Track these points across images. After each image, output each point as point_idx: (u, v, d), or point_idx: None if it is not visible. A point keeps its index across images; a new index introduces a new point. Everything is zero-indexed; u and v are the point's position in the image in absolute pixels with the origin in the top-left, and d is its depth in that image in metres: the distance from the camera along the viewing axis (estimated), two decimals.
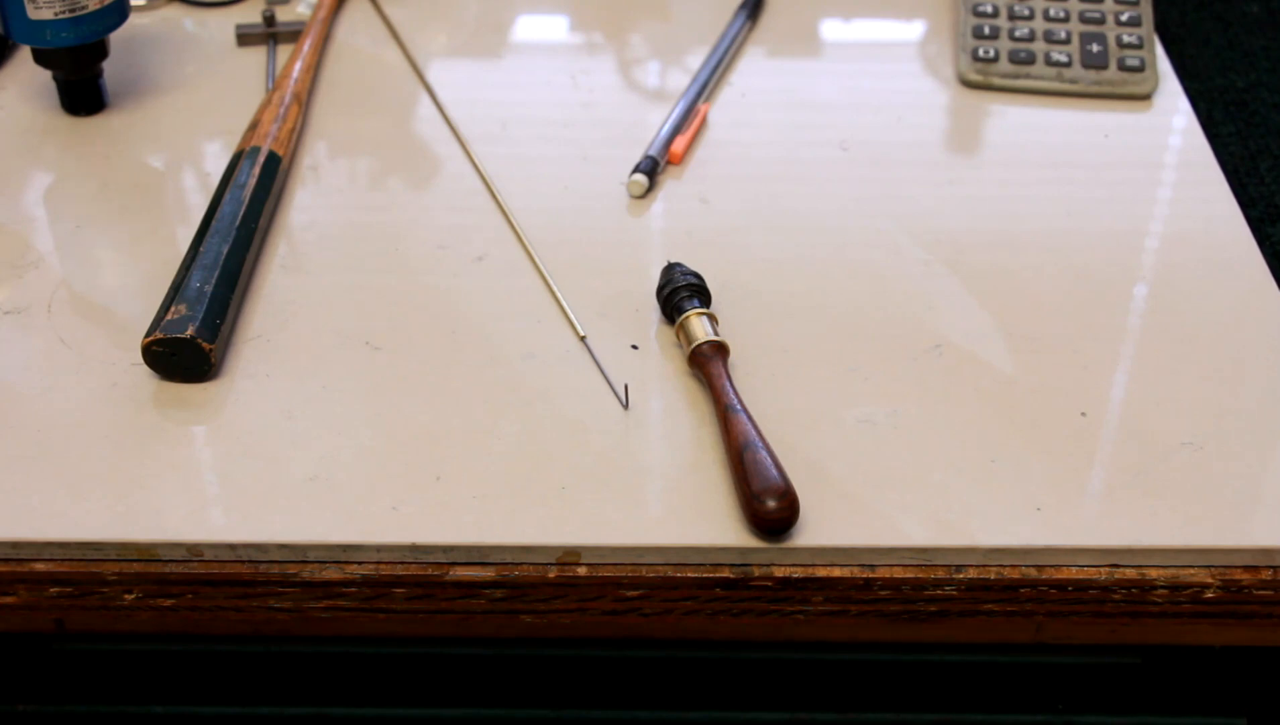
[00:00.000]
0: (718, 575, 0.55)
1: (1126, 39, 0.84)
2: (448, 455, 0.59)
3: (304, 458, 0.59)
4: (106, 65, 0.80)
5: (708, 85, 0.83)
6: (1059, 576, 0.55)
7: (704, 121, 0.80)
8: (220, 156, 0.77)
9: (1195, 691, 0.69)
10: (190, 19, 0.90)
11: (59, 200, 0.74)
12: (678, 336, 0.63)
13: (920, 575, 0.55)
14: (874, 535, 0.55)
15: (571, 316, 0.66)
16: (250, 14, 0.90)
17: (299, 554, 0.55)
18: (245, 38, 0.87)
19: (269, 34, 0.87)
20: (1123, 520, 0.56)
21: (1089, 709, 0.69)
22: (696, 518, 0.56)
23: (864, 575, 0.55)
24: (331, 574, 0.55)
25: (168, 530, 0.56)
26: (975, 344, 0.65)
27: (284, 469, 0.58)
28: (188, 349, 0.61)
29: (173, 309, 0.62)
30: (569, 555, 0.55)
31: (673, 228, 0.72)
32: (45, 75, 0.80)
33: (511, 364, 0.63)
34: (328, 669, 0.69)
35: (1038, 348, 0.64)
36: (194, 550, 0.55)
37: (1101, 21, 0.85)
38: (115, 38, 0.81)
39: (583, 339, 0.65)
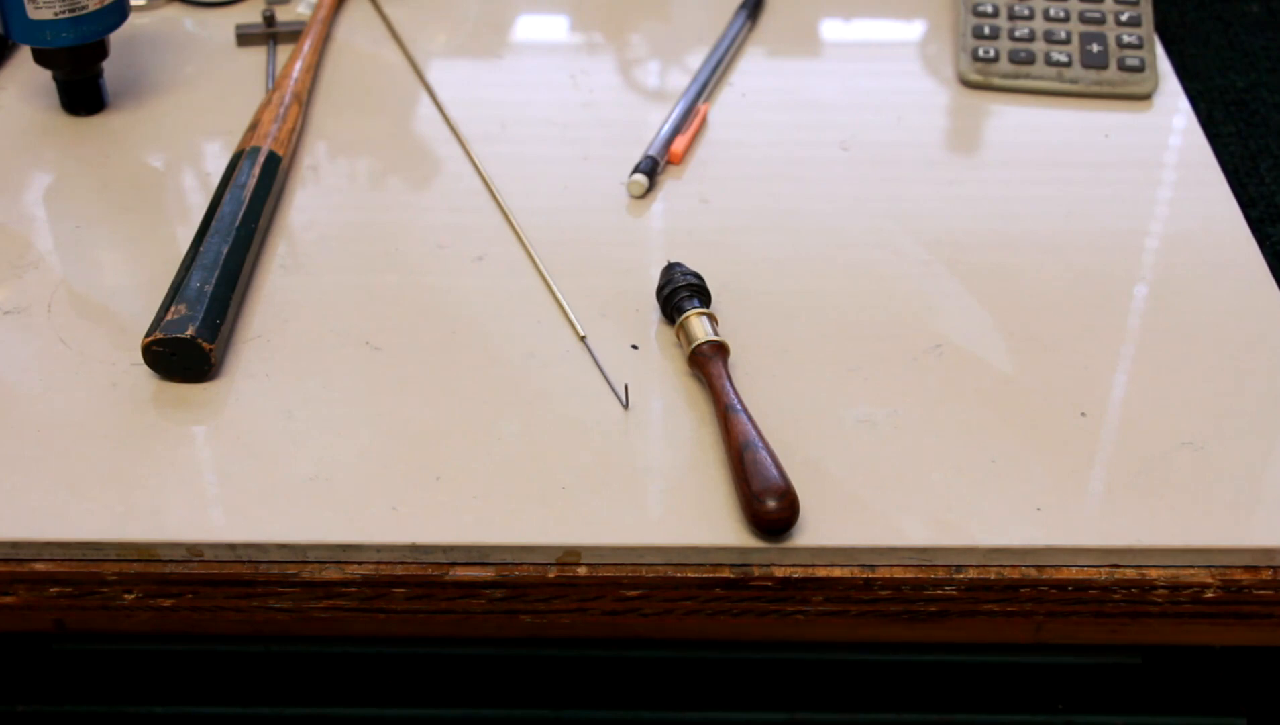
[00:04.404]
0: (718, 575, 0.55)
1: (1126, 39, 0.84)
2: (448, 455, 0.59)
3: (304, 458, 0.59)
4: (106, 65, 0.80)
5: (708, 85, 0.83)
6: (1059, 576, 0.55)
7: (704, 121, 0.80)
8: (220, 156, 0.77)
9: (1195, 691, 0.69)
10: (190, 19, 0.90)
11: (59, 200, 0.74)
12: (678, 336, 0.63)
13: (920, 575, 0.55)
14: (874, 535, 0.55)
15: (571, 316, 0.66)
16: (250, 14, 0.90)
17: (299, 554, 0.55)
18: (245, 38, 0.87)
19: (269, 34, 0.87)
20: (1123, 520, 0.56)
21: (1089, 709, 0.69)
22: (696, 518, 0.56)
23: (864, 575, 0.55)
24: (331, 574, 0.55)
25: (168, 530, 0.56)
26: (975, 344, 0.65)
27: (284, 469, 0.58)
28: (188, 349, 0.61)
29: (173, 309, 0.62)
30: (569, 555, 0.55)
31: (673, 228, 0.72)
32: (45, 75, 0.80)
33: (511, 364, 0.63)
34: (328, 669, 0.69)
35: (1038, 348, 0.64)
36: (194, 550, 0.55)
37: (1101, 21, 0.85)
38: (115, 38, 0.81)
39: (583, 339, 0.65)
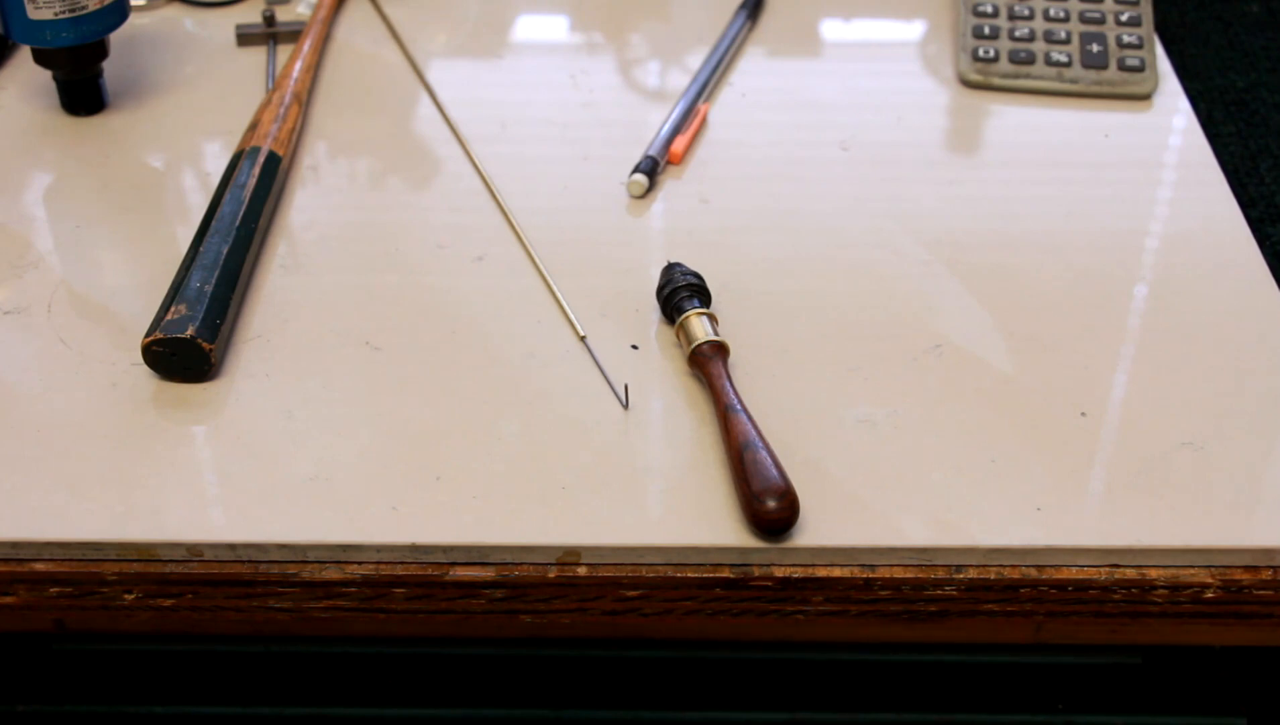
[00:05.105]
0: (718, 575, 0.55)
1: (1126, 39, 0.84)
2: (448, 455, 0.59)
3: (304, 458, 0.59)
4: (106, 65, 0.80)
5: (708, 85, 0.83)
6: (1059, 576, 0.55)
7: (704, 121, 0.80)
8: (220, 156, 0.77)
9: (1195, 691, 0.69)
10: (190, 19, 0.90)
11: (59, 200, 0.74)
12: (678, 336, 0.63)
13: (920, 575, 0.55)
14: (874, 535, 0.55)
15: (571, 316, 0.66)
16: (250, 14, 0.90)
17: (299, 554, 0.55)
18: (245, 38, 0.87)
19: (269, 34, 0.87)
20: (1123, 520, 0.56)
21: (1089, 709, 0.69)
22: (696, 518, 0.56)
23: (864, 575, 0.55)
24: (331, 574, 0.55)
25: (168, 530, 0.56)
26: (975, 344, 0.65)
27: (284, 469, 0.58)
28: (188, 349, 0.61)
29: (173, 309, 0.62)
30: (569, 555, 0.55)
31: (673, 228, 0.72)
32: (45, 75, 0.80)
33: (511, 364, 0.63)
34: (328, 669, 0.69)
35: (1038, 348, 0.64)
36: (194, 550, 0.55)
37: (1101, 21, 0.85)
38: (115, 38, 0.81)
39: (583, 339, 0.65)
